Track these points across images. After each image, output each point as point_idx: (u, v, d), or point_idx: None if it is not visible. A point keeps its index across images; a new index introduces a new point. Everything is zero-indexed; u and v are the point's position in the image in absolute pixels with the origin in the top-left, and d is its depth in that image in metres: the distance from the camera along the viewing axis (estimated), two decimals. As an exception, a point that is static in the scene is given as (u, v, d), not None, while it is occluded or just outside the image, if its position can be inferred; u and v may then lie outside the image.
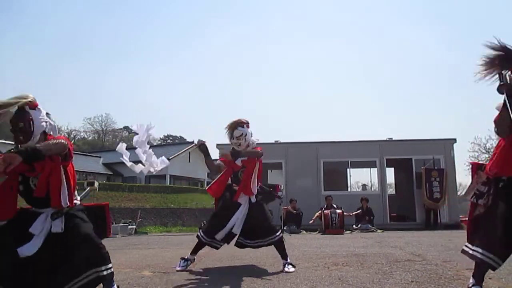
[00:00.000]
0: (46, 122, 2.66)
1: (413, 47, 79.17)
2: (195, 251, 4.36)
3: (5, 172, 2.22)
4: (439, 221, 12.27)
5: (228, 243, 4.26)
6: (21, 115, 2.56)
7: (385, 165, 13.42)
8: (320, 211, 10.94)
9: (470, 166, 2.96)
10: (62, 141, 2.47)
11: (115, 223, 13.10)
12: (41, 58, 73.54)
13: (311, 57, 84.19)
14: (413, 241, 7.06)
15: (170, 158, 32.55)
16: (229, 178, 4.33)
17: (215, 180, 4.33)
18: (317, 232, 10.66)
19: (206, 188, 4.51)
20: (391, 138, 14.38)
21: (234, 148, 4.21)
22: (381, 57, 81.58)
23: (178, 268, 4.15)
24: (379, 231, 10.72)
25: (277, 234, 4.14)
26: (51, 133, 2.69)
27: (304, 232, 10.82)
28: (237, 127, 4.26)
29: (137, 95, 78.62)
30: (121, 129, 58.95)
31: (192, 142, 36.31)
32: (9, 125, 2.57)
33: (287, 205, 11.52)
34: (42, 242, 2.48)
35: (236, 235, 4.18)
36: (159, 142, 56.24)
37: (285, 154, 13.33)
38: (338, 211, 10.64)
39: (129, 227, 12.72)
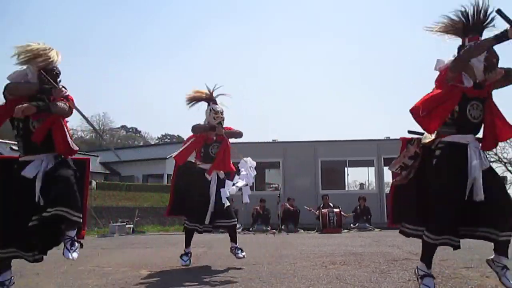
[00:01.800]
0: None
1: (410, 46, 79.28)
2: (188, 242, 4.44)
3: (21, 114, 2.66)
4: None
5: (211, 224, 4.30)
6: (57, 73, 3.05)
7: (383, 164, 13.44)
8: (318, 210, 10.95)
9: (400, 141, 3.05)
10: (66, 108, 2.91)
11: (113, 222, 13.07)
12: (38, 57, 73.13)
13: (310, 57, 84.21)
14: (411, 240, 7.04)
15: (167, 157, 32.60)
16: (196, 148, 4.38)
17: (182, 148, 4.42)
18: (315, 231, 10.68)
19: (174, 156, 4.60)
20: (389, 137, 14.40)
21: (220, 122, 4.34)
22: (379, 56, 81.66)
23: (184, 264, 4.30)
24: (376, 230, 10.73)
25: (235, 219, 4.34)
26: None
27: (302, 231, 10.83)
28: (215, 102, 4.46)
29: (134, 95, 78.48)
30: (118, 128, 58.87)
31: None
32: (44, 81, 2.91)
33: (284, 203, 11.54)
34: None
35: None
36: (157, 141, 56.22)
37: (283, 153, 13.34)
38: (335, 210, 10.65)
39: (127, 226, 12.68)
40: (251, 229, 10.99)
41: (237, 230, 4.42)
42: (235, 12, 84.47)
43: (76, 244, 2.81)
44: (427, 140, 2.84)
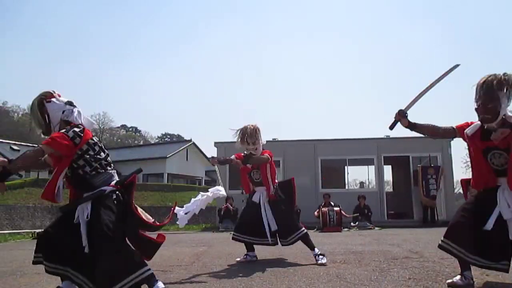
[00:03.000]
0: (64, 111, 2.80)
1: (410, 45, 79.21)
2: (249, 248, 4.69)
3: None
4: (436, 218, 12.30)
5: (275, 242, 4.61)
6: (39, 110, 2.76)
7: (383, 162, 13.45)
8: (318, 210, 10.95)
9: (460, 183, 3.26)
10: (39, 147, 2.54)
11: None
12: (39, 57, 73.30)
13: (310, 56, 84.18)
14: (411, 238, 7.08)
15: (167, 156, 32.61)
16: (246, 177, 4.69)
17: (243, 182, 4.78)
18: (315, 229, 10.68)
19: (245, 191, 4.89)
20: (389, 136, 14.40)
21: (251, 153, 4.52)
22: (379, 55, 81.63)
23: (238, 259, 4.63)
24: (376, 228, 10.74)
25: (301, 229, 4.52)
26: (69, 119, 2.80)
27: (302, 229, 10.82)
28: (251, 134, 4.49)
29: (134, 94, 78.49)
30: (118, 127, 58.86)
31: (190, 140, 36.35)
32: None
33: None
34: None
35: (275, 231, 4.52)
36: (157, 141, 56.18)
37: (283, 152, 13.33)
38: (335, 209, 10.65)
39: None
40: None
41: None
42: (235, 12, 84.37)
43: None
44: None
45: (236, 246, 4.96)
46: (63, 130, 2.65)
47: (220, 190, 4.43)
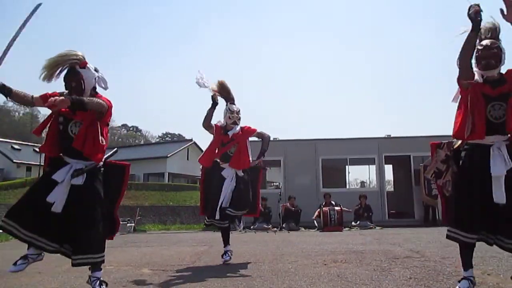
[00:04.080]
0: (95, 78, 2.90)
1: (411, 46, 79.10)
2: (225, 240, 4.60)
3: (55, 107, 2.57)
4: (437, 217, 12.29)
5: (227, 220, 4.48)
6: (73, 75, 2.82)
7: (384, 162, 13.43)
8: (319, 209, 10.96)
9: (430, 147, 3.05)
10: (103, 102, 2.77)
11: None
12: (39, 56, 73.19)
13: (310, 55, 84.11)
14: (412, 237, 7.07)
15: (168, 155, 32.62)
16: (216, 148, 4.51)
17: (204, 150, 4.62)
18: (316, 229, 10.68)
19: (198, 159, 4.69)
20: (390, 135, 14.37)
21: (234, 121, 4.47)
22: (380, 55, 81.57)
23: (227, 259, 4.46)
24: (377, 228, 10.74)
25: (244, 211, 4.52)
26: (102, 85, 2.97)
27: (303, 229, 10.83)
28: (233, 101, 4.57)
29: (135, 94, 78.56)
30: (119, 127, 58.91)
31: (191, 140, 36.36)
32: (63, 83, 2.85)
33: (285, 202, 11.58)
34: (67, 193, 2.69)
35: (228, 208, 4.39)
36: (158, 140, 56.20)
37: (284, 151, 13.32)
38: (336, 208, 10.65)
39: (128, 225, 12.69)
40: (252, 227, 10.99)
41: (232, 229, 4.65)
42: (235, 12, 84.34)
43: (103, 285, 2.86)
44: (457, 145, 2.83)
45: (237, 246, 4.96)
46: (105, 100, 2.83)
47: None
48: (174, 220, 21.02)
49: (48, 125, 2.87)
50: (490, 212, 2.53)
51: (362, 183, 19.34)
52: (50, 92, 2.85)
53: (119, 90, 77.16)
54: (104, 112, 2.84)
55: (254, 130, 4.58)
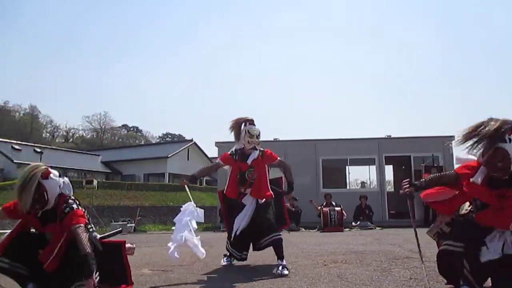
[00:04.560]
0: (60, 185, 2.85)
1: (411, 45, 79.13)
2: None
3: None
4: (437, 219, 12.28)
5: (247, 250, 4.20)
6: (36, 188, 2.72)
7: (384, 162, 13.42)
8: (319, 207, 10.95)
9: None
10: (82, 227, 2.73)
11: (114, 222, 13.10)
12: (40, 57, 73.36)
13: (311, 55, 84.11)
14: (412, 238, 7.01)
15: (169, 156, 32.59)
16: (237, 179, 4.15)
17: (228, 182, 4.21)
18: (316, 229, 10.67)
19: (225, 192, 4.25)
20: (390, 136, 14.36)
21: (254, 147, 4.14)
22: (381, 55, 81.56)
23: (224, 263, 4.28)
24: (378, 228, 10.73)
25: (278, 233, 3.94)
26: (67, 191, 2.89)
27: (303, 229, 10.83)
28: (251, 125, 4.12)
29: (135, 93, 78.55)
30: (119, 127, 58.90)
31: (191, 140, 36.37)
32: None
33: (286, 203, 11.57)
34: None
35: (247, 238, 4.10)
36: (158, 141, 56.23)
37: (284, 151, 13.30)
38: (337, 208, 10.64)
39: (128, 225, 12.71)
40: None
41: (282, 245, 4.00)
42: (235, 12, 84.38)
43: None
44: (462, 212, 2.81)
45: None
46: (74, 206, 2.80)
47: (191, 206, 4.12)
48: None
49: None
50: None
51: (363, 183, 19.28)
52: (10, 202, 2.88)
53: (119, 90, 77.29)
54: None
55: (276, 158, 4.25)
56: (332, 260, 4.39)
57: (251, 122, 4.15)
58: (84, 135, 56.24)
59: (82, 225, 2.73)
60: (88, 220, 2.96)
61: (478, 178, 2.57)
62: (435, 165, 12.49)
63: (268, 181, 4.15)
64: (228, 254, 4.31)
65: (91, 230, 2.94)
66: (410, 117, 71.62)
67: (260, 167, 4.11)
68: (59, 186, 2.85)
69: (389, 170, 15.28)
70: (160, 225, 17.53)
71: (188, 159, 34.96)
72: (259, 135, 4.13)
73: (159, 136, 61.25)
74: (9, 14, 65.78)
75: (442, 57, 74.64)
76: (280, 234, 3.94)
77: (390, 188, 16.69)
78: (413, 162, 13.06)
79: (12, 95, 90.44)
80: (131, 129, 60.81)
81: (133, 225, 13.19)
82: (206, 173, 4.44)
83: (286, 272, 3.60)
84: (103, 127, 55.99)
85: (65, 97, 74.66)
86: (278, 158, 4.28)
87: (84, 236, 2.68)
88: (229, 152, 4.20)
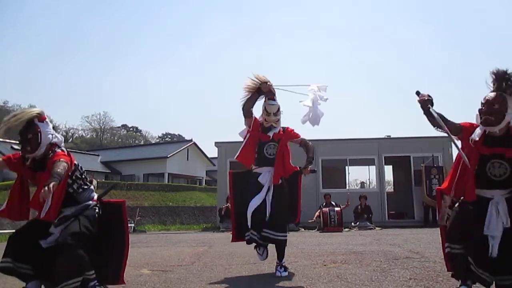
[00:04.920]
0: (52, 134, 2.83)
1: (411, 46, 79.19)
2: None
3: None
4: (437, 218, 12.27)
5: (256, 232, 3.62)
6: (31, 127, 2.75)
7: (384, 162, 13.42)
8: (319, 210, 10.95)
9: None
10: (66, 163, 2.61)
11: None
12: (40, 57, 73.36)
13: (310, 56, 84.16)
14: (412, 238, 7.07)
15: (168, 156, 32.60)
16: (254, 148, 3.76)
17: (241, 148, 3.76)
18: (316, 229, 10.68)
19: (236, 157, 3.79)
20: (390, 136, 14.36)
21: (271, 125, 3.74)
22: (380, 55, 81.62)
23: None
24: (377, 228, 10.73)
25: (286, 234, 3.71)
26: (57, 142, 2.84)
27: (303, 229, 10.82)
28: (267, 99, 3.70)
29: (135, 94, 78.53)
30: (119, 127, 58.87)
31: (191, 140, 36.34)
32: (18, 136, 2.75)
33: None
34: None
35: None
36: (158, 141, 56.20)
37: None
38: (336, 209, 10.64)
39: (128, 225, 12.70)
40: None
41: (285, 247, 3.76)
42: (235, 12, 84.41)
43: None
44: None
45: (237, 246, 4.94)
46: (60, 150, 2.74)
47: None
48: (174, 220, 21.03)
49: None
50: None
51: (362, 183, 19.32)
52: (12, 154, 2.89)
53: (119, 90, 77.27)
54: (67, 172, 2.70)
55: (298, 136, 3.93)
56: (331, 260, 4.39)
57: (270, 96, 3.75)
58: (84, 135, 56.23)
59: (63, 159, 2.61)
60: (84, 175, 2.93)
61: (475, 135, 2.61)
62: (435, 165, 12.50)
63: (290, 158, 3.82)
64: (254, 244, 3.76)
65: (90, 188, 2.94)
66: (410, 117, 71.67)
67: (282, 142, 3.77)
68: (52, 135, 2.82)
69: (388, 171, 15.29)
70: (160, 225, 17.54)
71: (187, 159, 34.96)
72: (277, 111, 3.75)
73: (158, 136, 61.25)
74: (9, 14, 65.75)
75: (442, 57, 74.71)
76: (287, 236, 3.72)
77: (389, 188, 16.70)
78: (413, 163, 13.07)
79: (11, 95, 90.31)
80: (131, 129, 60.77)
81: (133, 225, 13.18)
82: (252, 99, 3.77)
83: (285, 273, 3.55)
84: (102, 127, 55.98)
85: (64, 97, 74.63)
86: (301, 136, 3.94)
87: (61, 164, 2.55)
88: (259, 120, 3.81)
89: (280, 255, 3.69)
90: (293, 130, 3.90)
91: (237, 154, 3.77)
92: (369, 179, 15.55)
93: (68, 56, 76.63)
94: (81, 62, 76.20)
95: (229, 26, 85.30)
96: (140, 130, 61.46)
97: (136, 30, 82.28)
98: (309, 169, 3.86)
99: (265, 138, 3.74)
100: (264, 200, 3.63)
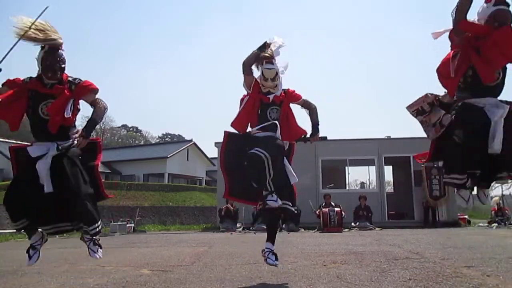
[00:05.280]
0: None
1: (411, 46, 79.22)
2: (269, 236, 3.47)
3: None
4: (437, 219, 12.29)
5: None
6: (58, 53, 3.03)
7: (383, 163, 13.43)
8: (319, 209, 10.96)
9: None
10: (96, 89, 3.17)
11: (114, 222, 13.09)
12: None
13: (310, 56, 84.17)
14: (412, 239, 7.07)
15: (168, 156, 32.57)
16: (254, 110, 3.42)
17: (238, 112, 3.45)
18: (316, 230, 10.68)
19: (231, 123, 3.47)
20: (389, 136, 14.37)
21: (268, 91, 3.41)
22: (380, 55, 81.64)
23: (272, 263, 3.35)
24: (377, 229, 10.74)
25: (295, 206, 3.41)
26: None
27: (303, 230, 10.83)
28: (265, 63, 3.38)
29: (135, 94, 78.55)
30: (119, 127, 58.85)
31: (191, 140, 36.35)
32: (45, 60, 2.97)
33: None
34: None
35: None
36: (158, 141, 56.20)
37: (284, 152, 13.31)
38: (336, 209, 10.65)
39: (128, 225, 12.70)
40: (252, 228, 11.01)
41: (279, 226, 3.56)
42: (235, 12, 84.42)
43: (97, 245, 3.00)
44: (445, 100, 2.92)
45: (237, 247, 4.95)
46: (80, 78, 3.10)
47: None
48: (174, 220, 21.02)
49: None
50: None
51: (362, 184, 19.31)
52: (12, 78, 3.01)
53: (119, 90, 77.27)
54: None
55: (299, 97, 3.57)
56: (331, 260, 4.39)
57: (268, 59, 3.40)
58: (84, 135, 56.13)
59: (97, 90, 3.13)
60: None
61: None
62: (435, 165, 12.49)
63: (296, 121, 3.53)
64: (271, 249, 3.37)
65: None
66: (410, 117, 71.46)
67: (285, 104, 3.47)
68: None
69: (388, 171, 15.30)
70: (160, 225, 17.53)
71: (187, 159, 34.97)
72: (275, 77, 3.39)
73: (158, 136, 61.25)
74: (9, 14, 65.68)
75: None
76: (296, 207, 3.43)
77: (389, 188, 16.71)
78: (413, 163, 13.07)
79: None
80: (131, 129, 60.75)
81: (133, 225, 13.18)
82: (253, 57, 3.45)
83: (277, 262, 3.34)
84: (102, 127, 55.93)
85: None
86: (303, 97, 3.62)
87: (102, 105, 3.19)
88: (259, 81, 3.46)
89: (274, 237, 3.41)
90: (294, 91, 3.57)
91: (233, 120, 3.44)
92: (369, 180, 15.56)
93: (68, 56, 76.36)
94: (81, 62, 76.20)
95: (229, 26, 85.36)
96: (140, 130, 61.46)
97: (136, 30, 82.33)
98: (318, 135, 3.64)
99: (266, 100, 3.42)
100: None
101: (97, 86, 3.10)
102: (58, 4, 74.29)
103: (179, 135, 58.38)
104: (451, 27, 2.84)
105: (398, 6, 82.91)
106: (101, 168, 34.85)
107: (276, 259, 3.34)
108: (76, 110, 3.09)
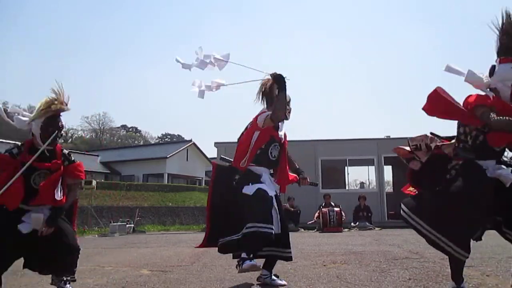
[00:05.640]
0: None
1: (411, 46, 79.26)
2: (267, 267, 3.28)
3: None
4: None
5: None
6: (60, 123, 3.00)
7: (383, 163, 13.43)
8: (318, 211, 10.96)
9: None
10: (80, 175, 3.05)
11: (113, 222, 13.08)
12: (39, 57, 73.30)
13: (310, 56, 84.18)
14: (411, 238, 7.07)
15: (168, 156, 32.58)
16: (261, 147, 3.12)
17: (251, 148, 3.10)
18: (315, 230, 10.68)
19: (234, 163, 3.27)
20: (389, 136, 14.38)
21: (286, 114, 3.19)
22: (380, 55, 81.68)
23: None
24: (377, 229, 10.74)
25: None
26: None
27: (302, 230, 10.83)
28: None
29: (134, 94, 78.54)
30: (118, 127, 58.82)
31: (190, 141, 36.34)
32: (50, 127, 2.89)
33: (285, 203, 11.58)
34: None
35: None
36: (157, 141, 56.18)
37: (283, 152, 13.32)
38: (336, 209, 10.65)
39: (127, 225, 12.70)
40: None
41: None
42: (235, 12, 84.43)
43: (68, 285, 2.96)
44: (446, 151, 2.75)
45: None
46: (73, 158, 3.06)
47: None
48: (174, 221, 21.00)
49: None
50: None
51: (362, 184, 19.33)
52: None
53: (118, 90, 77.22)
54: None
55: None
56: (331, 260, 4.39)
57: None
58: (83, 135, 56.15)
59: (82, 180, 3.09)
60: None
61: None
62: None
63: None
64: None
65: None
66: (409, 117, 71.69)
67: (285, 144, 3.26)
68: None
69: (388, 171, 15.31)
70: (159, 226, 17.52)
71: (187, 160, 34.95)
72: (289, 101, 3.26)
73: (158, 137, 61.25)
74: (9, 14, 65.70)
75: (442, 57, 74.70)
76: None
77: (389, 188, 16.71)
78: (412, 163, 13.07)
79: (11, 96, 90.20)
80: (130, 129, 60.72)
81: (132, 225, 13.17)
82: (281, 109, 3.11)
83: (283, 282, 3.22)
84: (102, 127, 55.92)
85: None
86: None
87: (75, 195, 3.04)
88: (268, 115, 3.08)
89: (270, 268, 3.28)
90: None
91: (235, 159, 3.21)
92: (368, 179, 15.57)
93: (68, 57, 76.62)
94: (80, 62, 76.20)
95: (229, 26, 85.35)
96: (140, 131, 61.44)
97: (136, 30, 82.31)
98: (308, 180, 3.45)
99: (277, 138, 3.19)
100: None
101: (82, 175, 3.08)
102: (58, 4, 74.30)
103: (178, 135, 58.39)
104: (466, 70, 2.71)
105: (398, 6, 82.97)
106: (101, 168, 34.93)
107: (251, 260, 2.88)
108: (65, 190, 2.94)
